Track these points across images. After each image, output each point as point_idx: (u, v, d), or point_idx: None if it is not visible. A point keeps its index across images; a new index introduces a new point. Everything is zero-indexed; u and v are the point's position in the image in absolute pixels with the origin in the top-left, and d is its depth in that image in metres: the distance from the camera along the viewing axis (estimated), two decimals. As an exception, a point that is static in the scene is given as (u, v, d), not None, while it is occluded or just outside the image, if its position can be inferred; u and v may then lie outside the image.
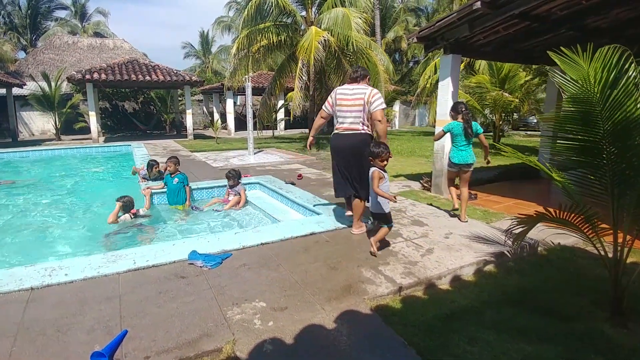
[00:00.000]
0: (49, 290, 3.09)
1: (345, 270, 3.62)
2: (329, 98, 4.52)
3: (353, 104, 4.27)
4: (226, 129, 20.84)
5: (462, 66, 18.25)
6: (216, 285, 3.28)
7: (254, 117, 13.90)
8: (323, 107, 4.57)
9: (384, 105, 4.25)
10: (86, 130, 16.14)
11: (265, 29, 13.67)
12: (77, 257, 3.68)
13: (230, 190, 6.54)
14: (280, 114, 21.19)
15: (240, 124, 23.19)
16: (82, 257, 3.68)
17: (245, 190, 6.56)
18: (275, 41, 13.97)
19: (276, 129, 21.21)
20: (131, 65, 16.38)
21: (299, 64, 13.22)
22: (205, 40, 34.61)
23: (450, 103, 6.11)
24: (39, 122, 18.97)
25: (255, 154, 12.48)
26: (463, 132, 5.06)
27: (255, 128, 14.01)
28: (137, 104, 21.72)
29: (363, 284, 3.29)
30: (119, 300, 3.02)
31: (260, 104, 16.57)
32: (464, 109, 5.13)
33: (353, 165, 4.38)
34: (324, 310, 2.86)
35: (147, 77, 15.58)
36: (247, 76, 12.26)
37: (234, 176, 6.43)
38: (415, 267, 3.64)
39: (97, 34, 26.83)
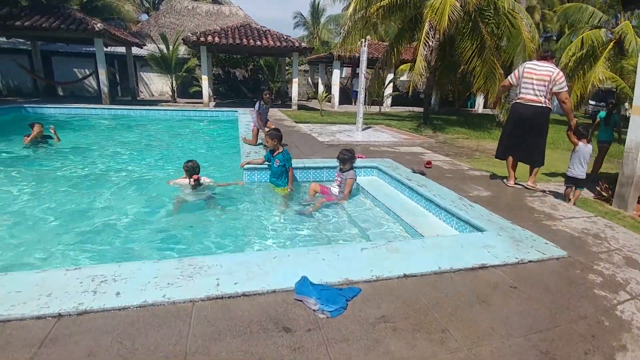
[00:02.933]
0: (81, 325, 1.92)
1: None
2: (515, 71, 4.95)
3: (540, 79, 4.61)
4: (330, 101, 19.58)
5: (609, 46, 13.69)
6: (344, 366, 1.78)
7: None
8: (508, 77, 5.06)
9: (567, 87, 4.64)
10: (200, 94, 16.50)
11: (387, -14, 11.55)
12: (141, 262, 2.54)
13: (340, 174, 4.98)
14: (388, 90, 19.01)
15: (345, 97, 21.73)
16: (149, 261, 2.54)
17: (355, 176, 4.90)
18: (397, 1, 11.77)
19: (382, 105, 19.18)
20: (243, 29, 16.01)
21: (425, 28, 10.87)
22: (316, 10, 33.51)
23: None
24: (157, 84, 20.28)
25: (363, 130, 10.84)
26: None
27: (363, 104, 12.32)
28: (247, 71, 21.84)
29: None
30: (181, 366, 1.72)
31: (371, 76, 14.71)
32: None
33: (530, 133, 4.77)
34: None
35: (258, 42, 14.97)
36: (363, 40, 10.46)
37: (350, 158, 4.83)
38: None
39: (215, 1, 27.80)
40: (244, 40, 15.00)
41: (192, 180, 4.67)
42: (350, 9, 12.54)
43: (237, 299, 2.23)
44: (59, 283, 2.20)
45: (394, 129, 11.97)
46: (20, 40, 16.88)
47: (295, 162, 5.42)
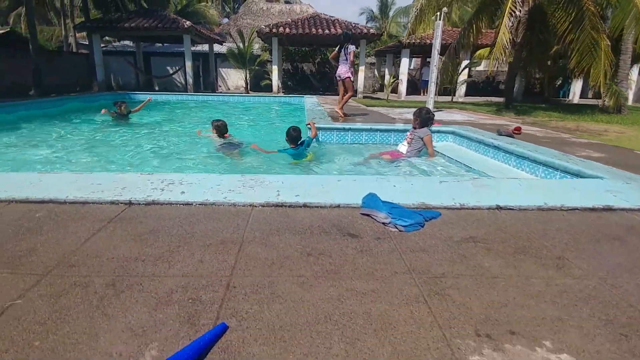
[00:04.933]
0: (148, 212, 1.95)
1: None
2: None
3: None
4: (396, 92, 18.87)
5: None
6: (419, 268, 1.48)
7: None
8: None
9: None
10: (270, 87, 17.15)
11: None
12: (206, 174, 2.51)
13: (412, 131, 4.50)
14: (462, 77, 17.64)
15: (413, 88, 20.80)
16: (215, 175, 2.49)
17: (431, 139, 4.36)
18: (480, -30, 10.78)
19: (455, 95, 17.87)
20: (312, 20, 16.21)
21: (511, -7, 9.72)
22: (384, 4, 32.89)
23: None
24: (234, 78, 21.66)
25: (434, 112, 10.10)
26: None
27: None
28: (314, 65, 22.16)
29: None
30: (237, 249, 1.58)
31: (442, 62, 13.75)
32: None
33: None
34: None
35: (327, 31, 15.01)
36: (438, 13, 9.75)
37: (427, 114, 4.35)
38: None
39: (287, 2, 28.82)
40: (313, 29, 15.15)
41: (221, 137, 5.07)
42: (424, -15, 11.82)
43: (297, 208, 2.04)
44: (133, 181, 2.31)
45: (468, 112, 11.00)
46: (127, 43, 19.38)
47: (362, 125, 5.16)
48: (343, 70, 7.04)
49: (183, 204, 2.01)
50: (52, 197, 2.06)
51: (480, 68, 23.18)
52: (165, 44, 20.94)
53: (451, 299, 1.28)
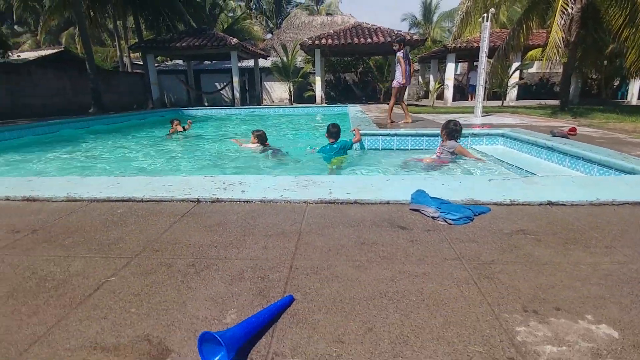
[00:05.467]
0: (214, 208, 2.19)
1: None
2: None
3: None
4: (442, 98, 18.44)
5: None
6: (469, 256, 1.53)
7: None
8: None
9: None
10: (313, 99, 17.59)
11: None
12: (262, 175, 2.72)
13: (441, 146, 4.41)
14: (513, 80, 16.82)
15: (460, 94, 20.21)
16: (270, 176, 2.70)
17: (463, 148, 4.28)
18: (528, -32, 10.38)
19: (505, 98, 17.07)
20: (354, 29, 16.49)
21: (563, -10, 9.23)
22: (428, 9, 32.44)
23: None
24: (277, 91, 22.50)
25: (482, 117, 9.78)
26: None
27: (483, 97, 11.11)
28: (356, 74, 22.40)
29: None
30: (296, 238, 1.74)
31: (491, 65, 13.26)
32: None
33: None
34: None
35: (369, 40, 15.19)
36: (485, 14, 9.51)
37: (453, 127, 4.28)
38: None
39: (329, 14, 29.50)
40: (355, 39, 15.39)
41: (262, 145, 5.46)
42: (469, -13, 11.58)
43: (349, 205, 2.17)
44: (198, 182, 2.58)
45: (520, 115, 10.49)
46: (178, 62, 20.99)
47: (406, 131, 5.20)
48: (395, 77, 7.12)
49: (244, 202, 2.22)
50: (130, 196, 2.37)
51: (533, 70, 21.97)
52: (213, 61, 22.38)
53: (500, 281, 1.33)
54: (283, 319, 1.15)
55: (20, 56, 17.43)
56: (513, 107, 15.67)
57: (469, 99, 19.43)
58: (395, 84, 7.11)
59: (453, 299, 1.23)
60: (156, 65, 18.84)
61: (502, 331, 1.08)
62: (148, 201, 2.34)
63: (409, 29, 32.81)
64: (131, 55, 22.33)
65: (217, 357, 0.95)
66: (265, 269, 1.46)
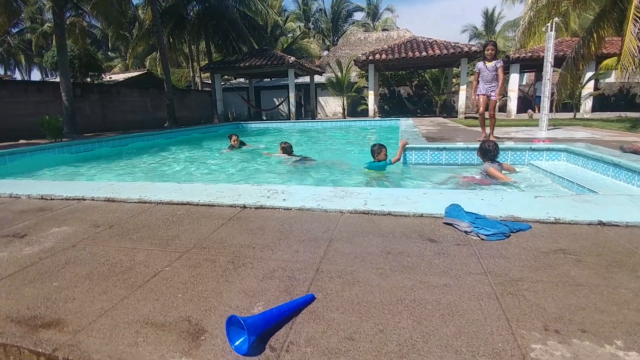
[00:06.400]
0: (257, 213, 2.40)
1: None
2: None
3: None
4: (505, 110, 17.42)
5: None
6: (497, 271, 1.52)
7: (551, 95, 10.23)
8: None
9: None
10: (366, 112, 17.72)
11: (589, -45, 9.58)
12: (302, 185, 2.90)
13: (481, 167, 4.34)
14: (586, 90, 15.37)
15: (526, 106, 18.92)
16: (311, 186, 2.87)
17: (495, 169, 4.07)
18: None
19: (578, 110, 15.62)
20: (409, 43, 16.38)
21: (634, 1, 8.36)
22: (490, 19, 31.10)
23: None
24: (332, 105, 23.03)
25: (548, 130, 9.09)
26: None
27: (550, 109, 10.32)
28: (411, 88, 22.11)
29: None
30: (326, 244, 1.86)
31: (559, 74, 12.29)
32: None
33: None
34: None
35: (424, 53, 14.98)
36: (549, 24, 8.94)
37: (483, 148, 4.22)
38: None
39: (385, 30, 29.63)
40: (409, 52, 15.28)
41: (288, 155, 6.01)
42: (532, -5, 10.95)
43: (382, 216, 2.23)
44: (246, 190, 2.84)
45: (593, 128, 9.55)
46: (241, 80, 22.66)
47: (455, 145, 5.08)
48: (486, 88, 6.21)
49: (284, 209, 2.40)
50: (188, 200, 2.68)
51: (611, 79, 19.89)
52: (272, 78, 23.73)
53: (525, 298, 1.31)
54: (303, 314, 1.27)
55: (111, 78, 20.05)
56: (587, 119, 14.30)
57: (536, 111, 18.08)
58: (497, 96, 6.21)
59: (470, 311, 1.25)
60: (222, 83, 20.42)
61: (515, 346, 1.08)
62: (203, 205, 2.63)
63: (469, 40, 31.65)
64: (202, 75, 24.50)
65: (241, 339, 1.10)
66: (294, 270, 1.60)
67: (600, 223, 1.98)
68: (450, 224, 2.05)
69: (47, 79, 29.09)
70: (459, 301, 1.31)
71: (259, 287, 1.46)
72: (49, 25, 22.75)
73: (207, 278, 1.57)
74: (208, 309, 1.33)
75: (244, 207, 2.49)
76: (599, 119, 14.31)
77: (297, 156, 6.16)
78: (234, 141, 8.60)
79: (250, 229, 2.13)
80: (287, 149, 6.23)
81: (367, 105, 17.73)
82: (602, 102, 16.47)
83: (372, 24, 34.47)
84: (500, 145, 5.12)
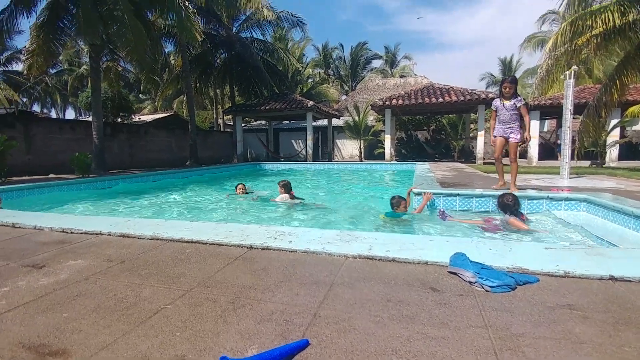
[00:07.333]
0: (263, 254, 2.45)
1: None
2: None
3: None
4: (525, 157, 17.23)
5: None
6: (498, 325, 1.48)
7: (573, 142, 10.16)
8: None
9: None
10: (383, 155, 17.94)
11: (602, 10, 9.89)
12: (310, 228, 2.94)
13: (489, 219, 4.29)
14: (612, 138, 15.12)
15: (548, 153, 18.71)
16: (317, 229, 2.91)
17: (515, 221, 3.97)
18: (617, 24, 9.82)
19: (603, 158, 15.28)
20: (426, 90, 16.86)
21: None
22: (508, 67, 31.82)
23: None
24: (348, 148, 23.46)
25: (570, 178, 8.89)
26: None
27: (572, 157, 10.18)
28: (428, 132, 22.37)
29: None
30: (327, 289, 1.87)
31: (580, 122, 12.24)
32: None
33: None
34: None
35: (440, 99, 15.34)
36: (567, 73, 9.08)
37: (501, 201, 4.22)
38: None
39: (402, 77, 30.71)
40: (426, 99, 15.66)
41: (289, 194, 6.19)
42: (549, 44, 11.19)
43: (386, 262, 2.23)
44: (254, 230, 2.89)
45: (619, 177, 9.27)
46: (261, 122, 23.67)
47: (470, 192, 5.06)
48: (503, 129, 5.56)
49: (289, 251, 2.44)
50: (198, 238, 2.76)
51: (639, 127, 19.55)
52: (291, 121, 24.65)
53: (524, 355, 1.26)
54: (294, 359, 1.26)
55: (140, 118, 21.39)
56: (612, 168, 13.94)
57: (558, 158, 17.78)
58: (516, 139, 5.49)
59: (464, 365, 1.22)
60: (243, 125, 21.33)
61: (510, 406, 1.04)
62: (211, 244, 2.70)
63: (486, 87, 32.23)
64: (224, 117, 25.79)
65: (230, 382, 1.11)
66: (292, 314, 1.61)
67: (612, 278, 1.91)
68: (455, 273, 2.03)
69: (80, 117, 31.32)
70: (455, 355, 1.28)
71: (255, 330, 1.48)
72: (85, 68, 24.86)
73: (207, 317, 1.60)
74: (203, 349, 1.35)
75: (251, 247, 2.55)
76: (626, 167, 13.92)
77: (298, 199, 6.31)
78: (240, 190, 8.49)
79: (254, 269, 2.16)
80: (287, 187, 6.34)
81: (383, 148, 17.96)
82: (629, 150, 16.07)
83: (390, 71, 35.84)
84: (517, 194, 5.05)
